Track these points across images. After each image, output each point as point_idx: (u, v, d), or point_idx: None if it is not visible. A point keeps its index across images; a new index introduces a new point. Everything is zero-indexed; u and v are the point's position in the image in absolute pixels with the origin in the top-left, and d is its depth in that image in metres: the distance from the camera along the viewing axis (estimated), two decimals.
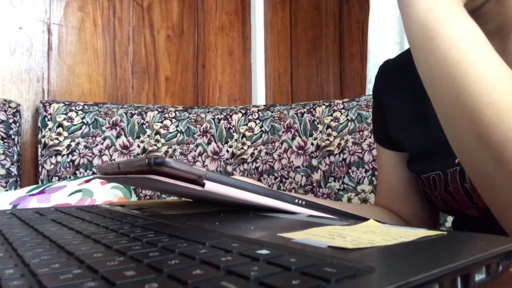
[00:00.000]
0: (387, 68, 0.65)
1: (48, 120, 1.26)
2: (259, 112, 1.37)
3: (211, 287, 0.15)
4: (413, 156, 0.58)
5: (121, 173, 0.35)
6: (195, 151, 1.32)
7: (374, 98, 0.67)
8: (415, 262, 0.17)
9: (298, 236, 0.23)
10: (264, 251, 0.19)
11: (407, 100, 0.59)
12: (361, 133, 1.18)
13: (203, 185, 0.30)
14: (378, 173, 0.68)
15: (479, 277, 0.18)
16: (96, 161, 1.26)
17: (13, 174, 1.22)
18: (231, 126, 1.36)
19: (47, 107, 1.27)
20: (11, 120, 1.24)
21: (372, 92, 0.68)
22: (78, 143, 1.26)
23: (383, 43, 1.23)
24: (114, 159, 1.27)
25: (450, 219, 0.98)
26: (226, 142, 1.34)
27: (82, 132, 1.27)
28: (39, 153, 1.25)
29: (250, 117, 1.36)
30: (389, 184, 0.65)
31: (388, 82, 0.64)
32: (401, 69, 0.62)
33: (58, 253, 0.21)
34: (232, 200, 0.34)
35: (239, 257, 0.19)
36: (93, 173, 1.24)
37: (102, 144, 1.28)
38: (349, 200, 1.15)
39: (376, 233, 0.24)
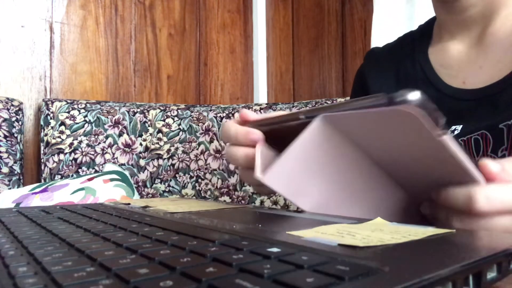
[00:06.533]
0: (374, 53, 0.69)
1: (51, 118, 1.26)
2: (262, 111, 1.36)
3: (225, 285, 0.15)
4: None
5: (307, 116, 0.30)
6: (197, 149, 1.33)
7: (356, 79, 0.70)
8: (427, 260, 0.17)
9: (307, 234, 0.23)
10: (275, 249, 0.19)
11: (391, 82, 0.63)
12: None
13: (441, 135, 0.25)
14: None
15: (490, 275, 0.18)
16: (98, 160, 1.26)
17: (15, 172, 1.22)
18: None
19: (50, 105, 1.27)
20: (13, 119, 1.24)
21: (356, 76, 0.70)
22: (80, 142, 1.26)
23: (386, 40, 1.22)
24: (117, 158, 1.28)
25: None
26: None
27: (85, 131, 1.27)
28: (42, 152, 1.25)
29: None
30: None
31: (375, 65, 0.67)
32: (387, 55, 0.66)
33: (69, 251, 0.21)
34: (445, 165, 0.28)
35: (250, 255, 0.19)
36: (96, 171, 1.24)
37: (104, 142, 1.28)
38: None
39: (384, 231, 0.24)
